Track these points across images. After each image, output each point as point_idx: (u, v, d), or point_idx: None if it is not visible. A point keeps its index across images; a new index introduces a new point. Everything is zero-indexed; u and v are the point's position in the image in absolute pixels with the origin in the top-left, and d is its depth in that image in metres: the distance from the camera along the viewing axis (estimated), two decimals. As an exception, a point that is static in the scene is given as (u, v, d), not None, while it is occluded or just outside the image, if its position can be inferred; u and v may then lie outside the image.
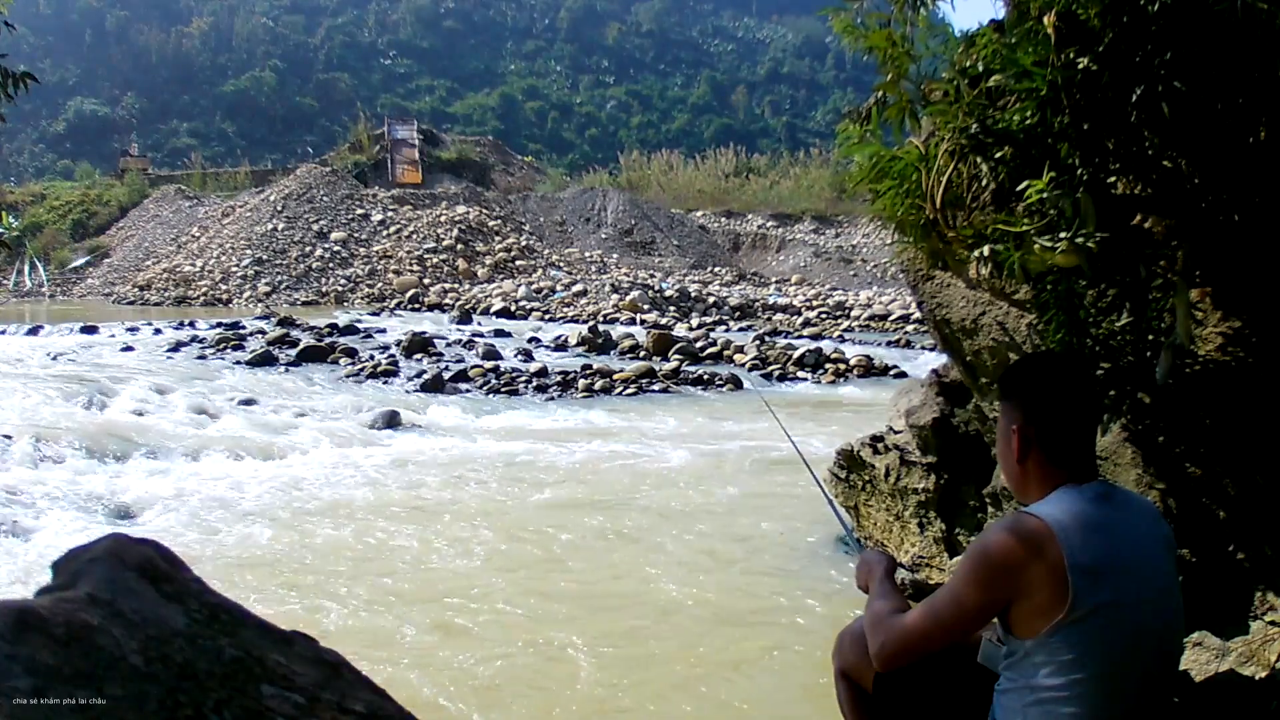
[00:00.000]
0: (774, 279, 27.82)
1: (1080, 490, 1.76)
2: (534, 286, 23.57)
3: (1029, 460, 1.82)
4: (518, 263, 26.92)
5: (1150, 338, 2.58)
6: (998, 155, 2.46)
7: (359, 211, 28.61)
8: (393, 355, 13.54)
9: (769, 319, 20.89)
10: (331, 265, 26.44)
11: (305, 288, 25.47)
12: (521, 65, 76.37)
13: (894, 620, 1.84)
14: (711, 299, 22.60)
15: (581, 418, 10.01)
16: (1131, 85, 2.22)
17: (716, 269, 28.35)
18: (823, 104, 72.74)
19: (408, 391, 11.17)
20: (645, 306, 21.24)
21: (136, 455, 7.58)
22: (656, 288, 23.36)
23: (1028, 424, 1.81)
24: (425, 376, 11.65)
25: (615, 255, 28.35)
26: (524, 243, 28.32)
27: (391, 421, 9.30)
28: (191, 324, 17.60)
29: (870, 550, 2.22)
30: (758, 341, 15.59)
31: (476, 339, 15.80)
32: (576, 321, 19.80)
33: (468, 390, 11.45)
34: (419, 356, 13.53)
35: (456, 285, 25.19)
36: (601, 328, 16.22)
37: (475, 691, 3.80)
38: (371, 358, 13.19)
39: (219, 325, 16.80)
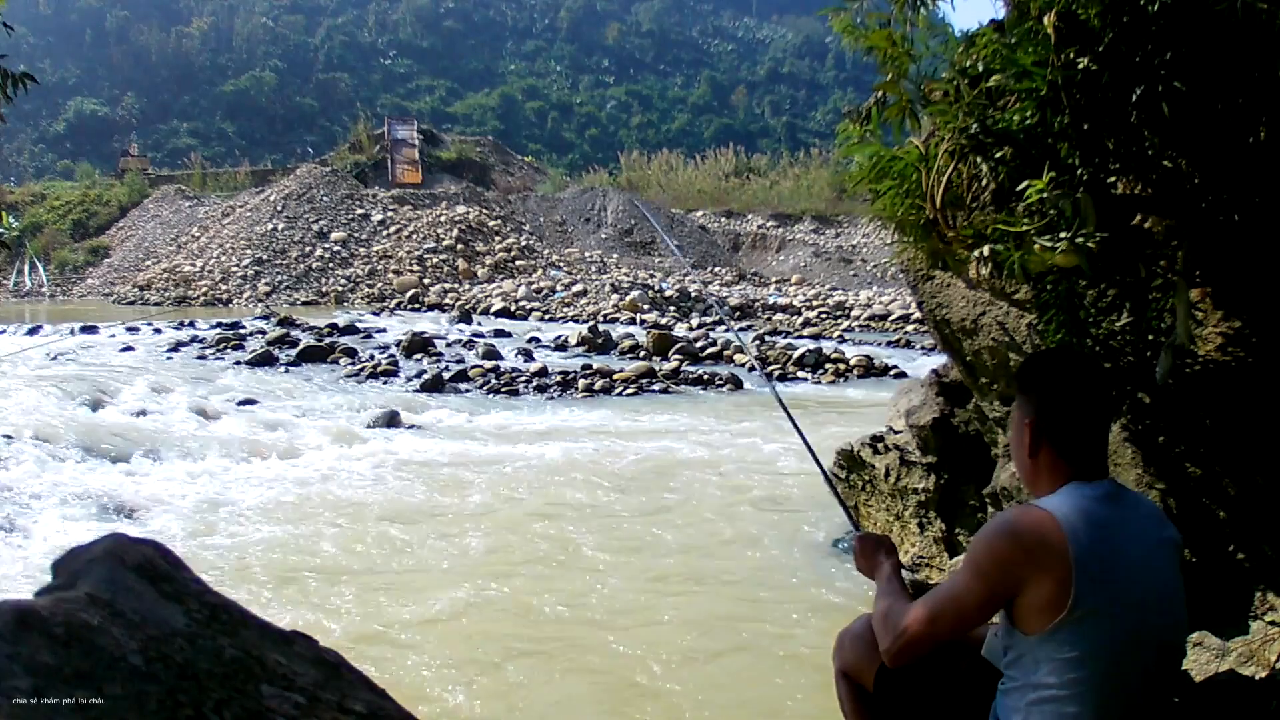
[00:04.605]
0: (774, 279, 27.80)
1: (1090, 488, 1.76)
2: (534, 286, 23.56)
3: (1040, 455, 1.82)
4: (518, 263, 26.91)
5: (1150, 338, 2.58)
6: (998, 155, 2.46)
7: (359, 211, 28.60)
8: (393, 355, 13.54)
9: (769, 319, 20.88)
10: (331, 265, 26.43)
11: (305, 288, 25.47)
12: (521, 65, 76.29)
13: (902, 617, 1.83)
14: (711, 299, 22.60)
15: (581, 418, 10.00)
16: (1131, 85, 2.22)
17: (716, 269, 28.34)
18: (823, 104, 72.65)
19: (408, 391, 11.17)
20: (645, 306, 21.24)
21: (136, 455, 7.58)
22: (656, 288, 23.35)
23: (1040, 419, 1.81)
24: (425, 376, 11.65)
25: (615, 255, 28.34)
26: (524, 243, 28.32)
27: (391, 421, 9.30)
28: (191, 324, 17.59)
29: (869, 533, 2.19)
30: (758, 341, 15.59)
31: (476, 339, 15.80)
32: (576, 321, 19.80)
33: (468, 390, 11.45)
34: (419, 356, 13.52)
35: (456, 285, 25.18)
36: (601, 328, 16.22)
37: (476, 691, 3.80)
38: (371, 358, 13.19)
39: (219, 325, 16.80)
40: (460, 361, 13.13)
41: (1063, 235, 2.26)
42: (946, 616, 1.77)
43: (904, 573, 2.09)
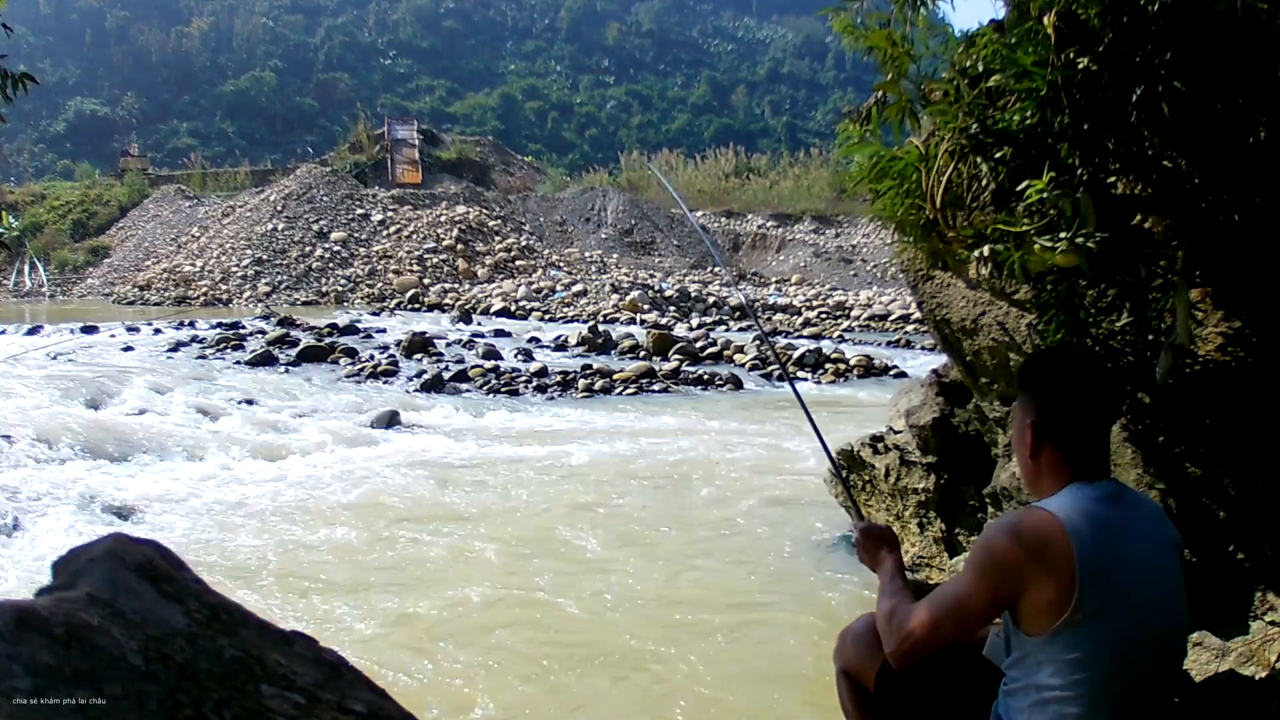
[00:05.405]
0: (774, 279, 27.81)
1: (1092, 488, 1.75)
2: (534, 286, 23.56)
3: (1042, 455, 1.81)
4: (518, 263, 26.92)
5: (1150, 338, 2.58)
6: (998, 155, 2.46)
7: (359, 211, 28.61)
8: (393, 355, 13.54)
9: (769, 319, 20.89)
10: (331, 265, 26.44)
11: (305, 288, 25.47)
12: (521, 65, 76.27)
13: (907, 619, 1.82)
14: (711, 299, 22.61)
15: (581, 418, 10.00)
16: (1131, 85, 2.22)
17: (716, 269, 28.34)
18: (823, 104, 72.64)
19: (408, 391, 11.17)
20: (645, 306, 21.24)
21: (136, 455, 7.58)
22: (656, 288, 23.36)
23: (1042, 418, 1.80)
24: (425, 376, 11.65)
25: (615, 255, 28.34)
26: (524, 243, 28.32)
27: (391, 421, 9.30)
28: (191, 324, 17.60)
29: (872, 525, 2.16)
30: (758, 341, 15.58)
31: (476, 339, 15.80)
32: (576, 321, 19.80)
33: (468, 390, 11.45)
34: (419, 356, 13.52)
35: (456, 285, 25.19)
36: (601, 328, 16.22)
37: (475, 691, 3.80)
38: (371, 358, 13.18)
39: (219, 325, 16.81)
40: (460, 361, 13.14)
41: (1063, 235, 2.26)
42: (950, 620, 1.76)
43: (905, 572, 2.08)
